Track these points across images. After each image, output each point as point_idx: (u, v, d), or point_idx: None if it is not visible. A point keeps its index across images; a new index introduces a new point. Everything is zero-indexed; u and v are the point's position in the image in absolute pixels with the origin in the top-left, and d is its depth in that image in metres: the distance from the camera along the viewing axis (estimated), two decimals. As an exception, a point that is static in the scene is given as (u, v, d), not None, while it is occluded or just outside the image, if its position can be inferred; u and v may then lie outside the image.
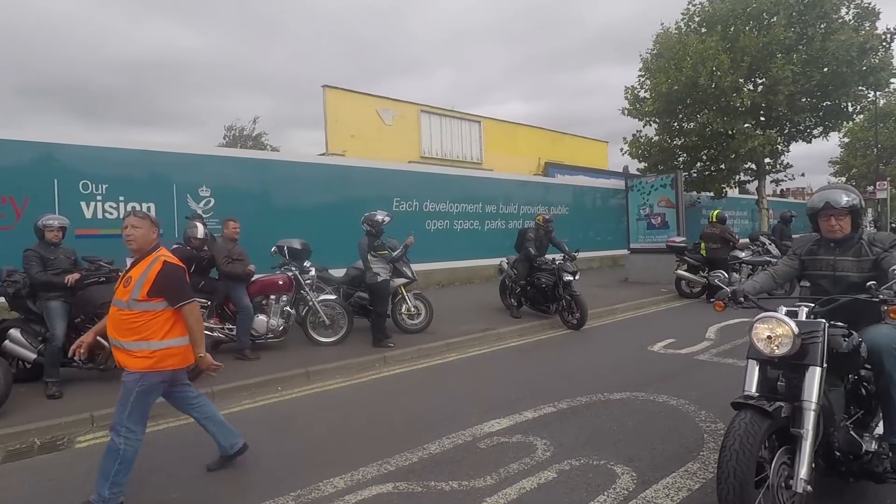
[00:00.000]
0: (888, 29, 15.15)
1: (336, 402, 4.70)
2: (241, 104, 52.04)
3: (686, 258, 10.23)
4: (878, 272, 2.60)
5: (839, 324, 2.45)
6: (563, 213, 15.89)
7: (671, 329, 7.23)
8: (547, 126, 27.44)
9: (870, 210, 30.66)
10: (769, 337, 2.37)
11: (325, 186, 10.65)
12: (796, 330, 2.29)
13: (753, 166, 17.30)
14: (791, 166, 18.04)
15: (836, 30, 14.56)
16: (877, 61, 15.02)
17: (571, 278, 7.39)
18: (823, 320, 2.37)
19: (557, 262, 7.65)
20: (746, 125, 15.67)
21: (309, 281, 6.41)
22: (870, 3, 14.98)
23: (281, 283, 6.23)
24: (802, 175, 19.81)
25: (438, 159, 19.79)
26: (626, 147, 18.35)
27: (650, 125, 17.41)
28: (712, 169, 17.45)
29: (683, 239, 10.85)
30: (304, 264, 6.47)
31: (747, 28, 15.11)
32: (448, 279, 12.31)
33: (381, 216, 6.43)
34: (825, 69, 14.57)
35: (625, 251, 13.54)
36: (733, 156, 16.16)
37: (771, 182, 18.97)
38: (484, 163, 21.52)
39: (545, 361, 5.91)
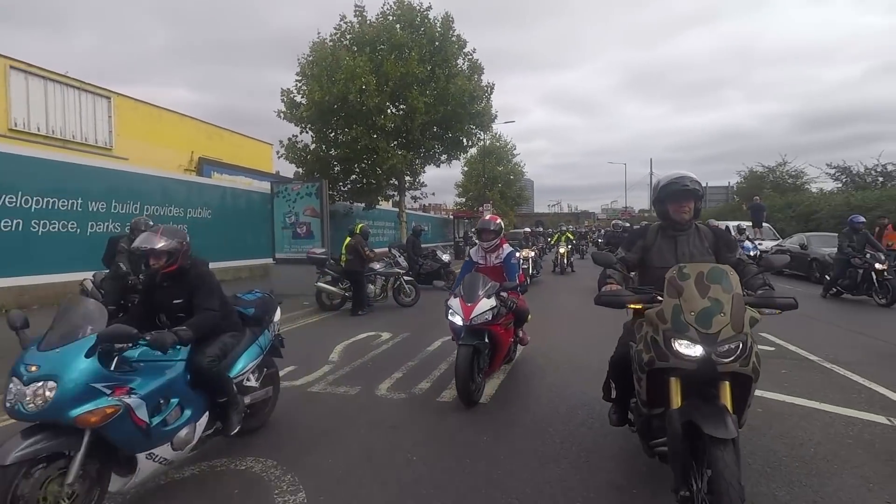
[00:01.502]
0: (489, 83, 19.02)
1: None
2: None
3: (326, 270, 10.06)
4: None
5: None
6: (206, 217, 13.96)
7: (297, 352, 6.61)
8: (213, 119, 24.51)
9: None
10: None
11: None
12: None
13: (395, 182, 19.08)
14: (426, 185, 20.80)
15: (455, 75, 17.33)
16: (482, 108, 18.62)
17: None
18: None
19: (160, 282, 6.08)
20: (392, 144, 17.14)
21: None
22: (477, 60, 18.46)
23: None
24: (433, 194, 23.10)
25: (42, 136, 14.94)
26: (282, 151, 17.68)
27: (306, 132, 17.20)
28: (364, 181, 18.47)
29: (324, 250, 10.68)
30: None
31: (392, 56, 16.48)
32: (17, 301, 8.88)
33: None
34: (448, 107, 17.13)
35: (271, 260, 12.69)
36: (379, 171, 17.43)
37: (410, 198, 21.43)
38: (116, 149, 17.42)
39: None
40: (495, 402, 4.62)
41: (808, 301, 10.04)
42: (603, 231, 36.25)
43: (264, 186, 15.96)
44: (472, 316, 4.48)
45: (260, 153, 25.98)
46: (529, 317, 5.57)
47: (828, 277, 11.34)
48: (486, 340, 4.59)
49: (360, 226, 10.55)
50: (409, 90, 16.22)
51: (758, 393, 4.61)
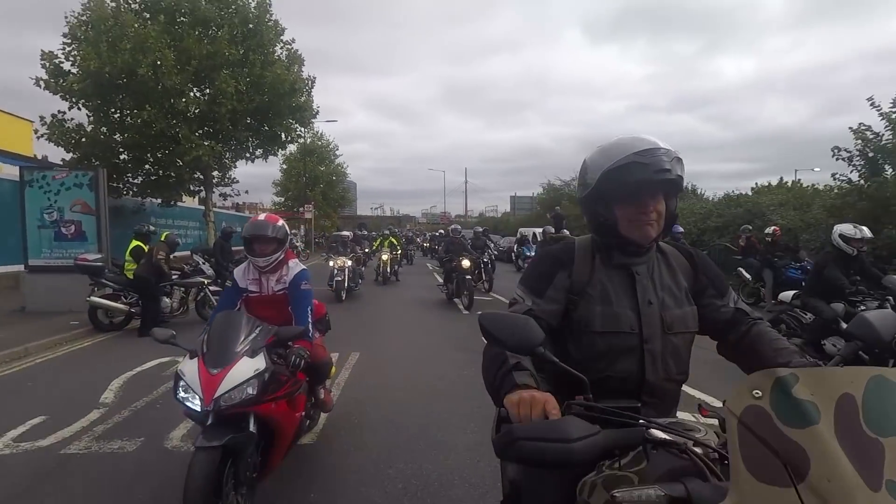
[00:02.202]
0: (310, 76, 17.84)
1: None
2: None
3: (104, 280, 8.07)
4: None
5: None
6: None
7: (52, 394, 5.02)
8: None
9: (302, 226, 36.72)
10: None
11: None
12: None
13: (201, 176, 16.72)
14: (237, 181, 18.64)
15: (272, 63, 15.81)
16: (303, 101, 17.37)
17: None
18: None
19: None
20: (197, 132, 14.90)
21: None
22: (297, 50, 17.12)
23: None
24: (246, 192, 20.82)
25: None
26: (43, 130, 14.11)
27: (78, 108, 13.97)
28: (161, 173, 15.76)
29: (100, 256, 8.60)
30: None
31: (197, 32, 14.32)
32: None
33: None
34: (265, 96, 15.55)
35: (22, 268, 9.84)
36: (180, 163, 15.03)
37: (219, 195, 19.07)
38: None
39: None
40: (324, 440, 3.92)
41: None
42: (428, 235, 36.75)
43: (14, 172, 12.42)
44: (217, 395, 2.47)
45: (15, 131, 20.58)
46: (333, 369, 4.20)
47: None
48: (252, 429, 2.59)
49: (165, 234, 8.76)
50: (217, 72, 14.27)
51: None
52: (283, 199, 38.82)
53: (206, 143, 14.77)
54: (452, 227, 13.51)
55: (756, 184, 22.20)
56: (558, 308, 1.51)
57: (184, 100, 14.08)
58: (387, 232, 17.34)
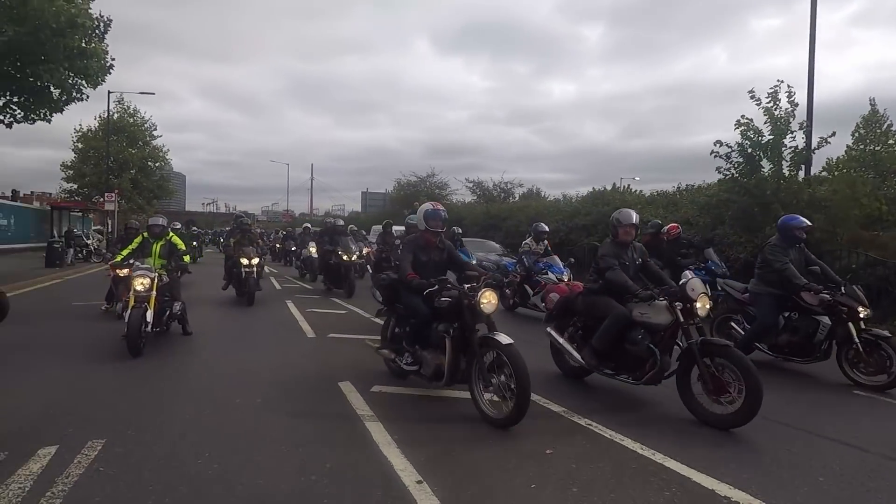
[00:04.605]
0: (103, 17, 13.35)
1: None
2: None
3: None
4: None
5: None
6: None
7: None
8: None
9: (109, 221, 29.70)
10: None
11: None
12: None
13: None
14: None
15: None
16: (91, 48, 12.86)
17: None
18: None
19: None
20: None
21: None
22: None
23: None
24: None
25: None
26: None
27: None
28: None
29: None
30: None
31: None
32: None
33: None
34: (23, 27, 10.90)
35: None
36: None
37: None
38: None
39: None
40: None
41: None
42: (282, 234, 30.72)
43: None
44: None
45: None
46: None
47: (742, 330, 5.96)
48: None
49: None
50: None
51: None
52: (76, 186, 30.89)
53: None
54: (434, 209, 4.86)
55: (593, 188, 22.74)
56: None
57: None
58: (160, 223, 7.20)
